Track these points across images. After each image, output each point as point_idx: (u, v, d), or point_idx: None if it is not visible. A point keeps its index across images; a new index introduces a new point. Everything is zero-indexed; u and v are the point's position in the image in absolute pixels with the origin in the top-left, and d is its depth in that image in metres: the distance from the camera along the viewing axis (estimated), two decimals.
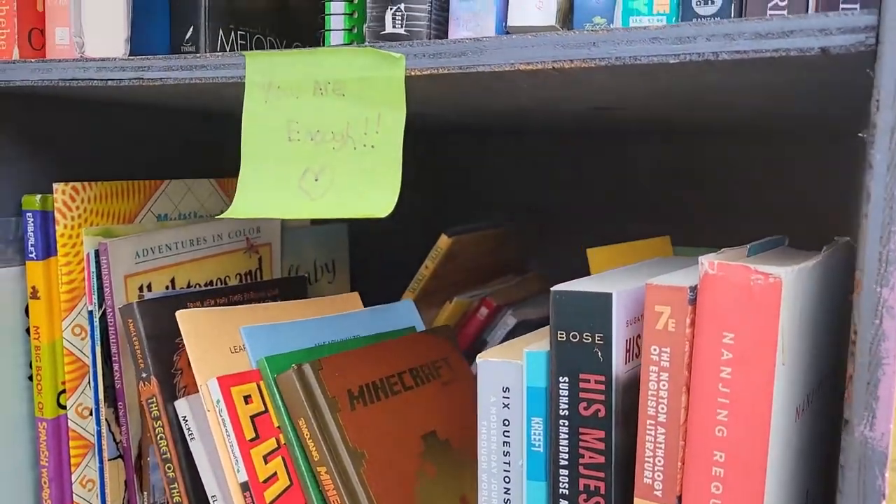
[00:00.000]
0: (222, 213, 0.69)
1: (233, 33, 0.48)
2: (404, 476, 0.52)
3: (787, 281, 0.32)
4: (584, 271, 0.75)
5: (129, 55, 0.49)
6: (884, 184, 0.29)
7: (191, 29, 0.47)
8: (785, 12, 0.37)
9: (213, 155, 0.73)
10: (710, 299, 0.34)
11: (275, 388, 0.50)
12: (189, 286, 0.65)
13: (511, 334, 0.78)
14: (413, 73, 0.39)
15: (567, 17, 0.43)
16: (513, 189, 1.00)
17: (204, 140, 0.74)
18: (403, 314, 0.65)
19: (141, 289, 0.61)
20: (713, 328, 0.34)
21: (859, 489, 0.30)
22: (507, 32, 0.43)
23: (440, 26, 0.43)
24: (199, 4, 0.48)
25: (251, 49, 0.51)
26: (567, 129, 0.92)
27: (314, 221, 0.80)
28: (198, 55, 0.44)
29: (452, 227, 0.81)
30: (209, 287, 0.66)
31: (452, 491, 0.55)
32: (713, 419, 0.34)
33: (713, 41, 0.32)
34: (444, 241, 0.80)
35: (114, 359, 0.59)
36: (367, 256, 0.94)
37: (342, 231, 0.84)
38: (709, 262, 0.34)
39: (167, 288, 0.64)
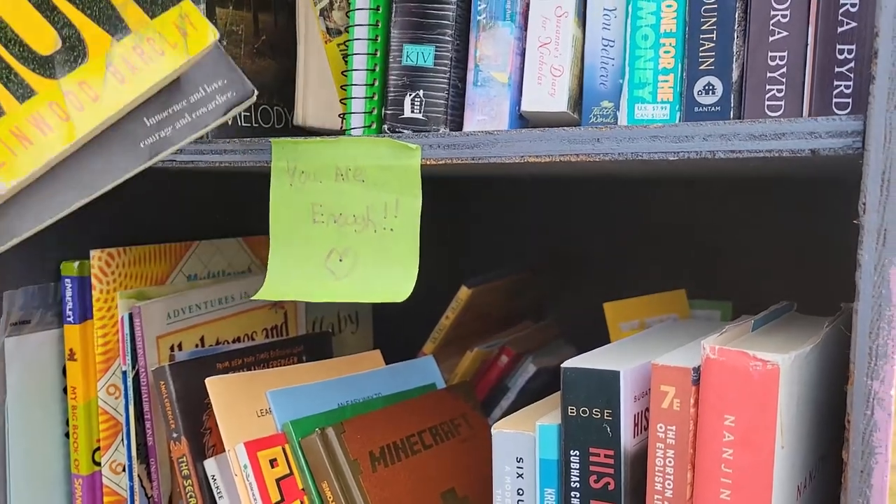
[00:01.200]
0: (254, 279, 0.72)
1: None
2: None
3: (785, 368, 0.34)
4: (600, 320, 0.77)
5: None
6: (871, 282, 0.31)
7: None
8: (781, 103, 0.39)
9: (239, 213, 0.76)
10: (712, 382, 0.36)
11: (300, 452, 0.52)
12: (218, 343, 0.68)
13: (531, 381, 0.80)
14: (428, 163, 0.41)
15: (577, 102, 0.45)
16: (533, 236, 1.02)
17: (230, 199, 0.77)
18: (424, 371, 0.67)
19: (172, 348, 0.64)
20: (715, 410, 0.35)
21: None
22: (521, 117, 0.46)
23: (456, 111, 0.46)
24: None
25: (256, 120, 0.54)
26: (585, 178, 0.93)
27: None
28: (227, 140, 0.46)
29: (472, 278, 0.83)
30: (237, 343, 0.69)
31: None
32: (717, 498, 0.36)
33: (710, 141, 0.34)
34: (464, 292, 0.83)
35: (146, 417, 0.62)
36: (389, 306, 0.96)
37: None
38: (710, 346, 0.36)
39: (197, 346, 0.66)
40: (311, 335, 0.72)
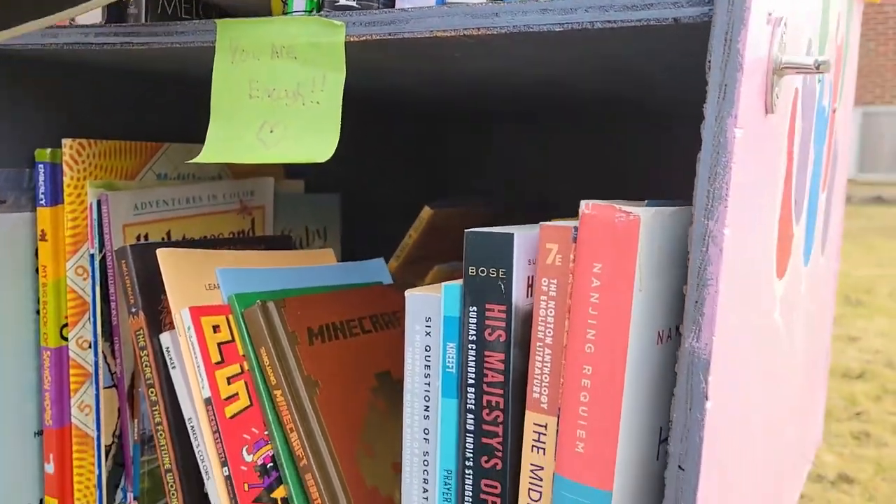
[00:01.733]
0: (223, 183, 0.76)
1: None
2: (355, 406, 0.58)
3: (646, 220, 0.38)
4: None
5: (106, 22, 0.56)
6: (712, 132, 0.34)
7: None
8: None
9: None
10: (586, 235, 0.40)
11: (241, 321, 0.56)
12: (184, 239, 0.72)
13: None
14: (351, 40, 0.45)
15: None
16: (509, 175, 1.06)
17: (205, 108, 0.81)
18: (374, 270, 0.71)
19: (138, 238, 0.68)
20: (586, 260, 0.39)
21: (687, 392, 0.36)
22: (445, 3, 0.49)
23: None
24: None
25: (194, 11, 0.58)
26: (562, 117, 0.97)
27: (308, 186, 0.87)
28: (177, 23, 0.50)
29: (438, 201, 0.88)
30: (202, 239, 0.73)
31: (399, 426, 0.61)
32: (584, 338, 0.40)
33: (590, 12, 0.38)
34: (426, 212, 0.87)
35: (111, 298, 0.66)
36: (364, 229, 1.01)
37: (334, 200, 0.91)
38: (586, 203, 0.40)
39: (163, 238, 0.71)
40: (273, 237, 0.76)
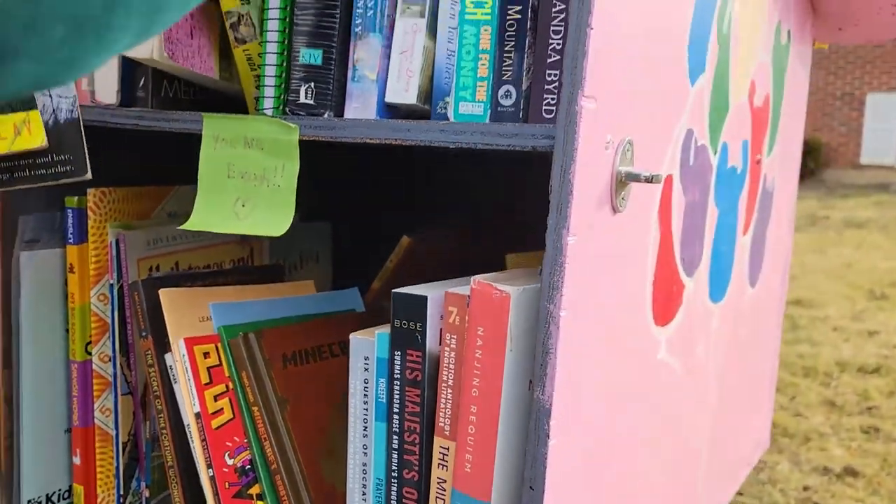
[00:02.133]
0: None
1: (176, 81, 0.66)
2: (320, 422, 0.71)
3: (514, 296, 0.49)
4: None
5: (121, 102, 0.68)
6: (552, 239, 0.46)
7: (142, 79, 0.66)
8: (553, 108, 0.53)
9: None
10: (473, 304, 0.51)
11: (227, 349, 0.69)
12: (190, 268, 0.85)
13: None
14: (303, 138, 0.57)
15: (427, 96, 0.60)
16: (490, 208, 1.17)
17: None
18: (348, 299, 0.83)
19: (150, 269, 0.81)
20: (473, 323, 0.51)
21: (535, 432, 0.47)
22: (388, 106, 0.61)
23: (338, 99, 0.61)
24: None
25: (191, 95, 0.70)
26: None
27: (303, 216, 0.99)
28: (174, 112, 0.63)
29: (416, 231, 0.99)
30: (206, 270, 0.86)
31: None
32: (471, 383, 0.51)
33: (475, 136, 0.49)
34: (404, 240, 0.98)
35: (128, 320, 0.79)
36: (352, 253, 1.13)
37: (326, 228, 1.03)
38: (475, 280, 0.51)
39: (171, 268, 0.84)
40: (265, 266, 0.88)
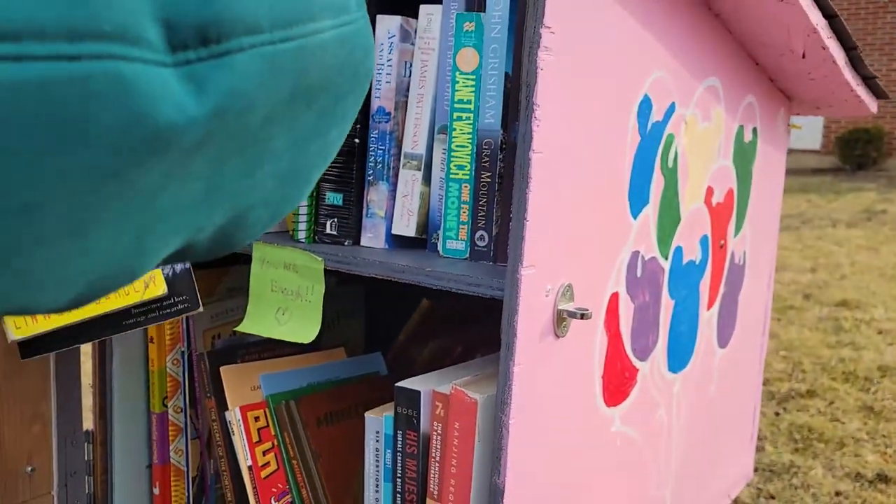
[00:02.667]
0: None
1: None
2: (348, 472, 0.89)
3: (481, 401, 0.66)
4: None
5: None
6: (505, 366, 0.62)
7: None
8: None
9: None
10: (452, 404, 0.68)
11: (273, 414, 0.87)
12: (243, 336, 1.04)
13: None
14: (327, 267, 0.74)
15: (424, 228, 0.77)
16: None
17: None
18: (373, 363, 1.01)
19: (213, 338, 1.00)
20: (451, 419, 0.68)
21: None
22: (394, 236, 0.78)
23: (356, 230, 0.78)
24: None
25: None
26: None
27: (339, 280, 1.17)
28: None
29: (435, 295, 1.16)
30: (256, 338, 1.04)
31: None
32: (450, 464, 0.68)
33: (450, 283, 0.66)
34: (424, 302, 1.16)
35: (196, 380, 0.99)
36: (381, 311, 1.31)
37: (360, 291, 1.20)
38: (452, 385, 0.68)
39: (231, 335, 1.02)
40: None
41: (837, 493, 2.11)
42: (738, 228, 1.04)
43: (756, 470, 2.59)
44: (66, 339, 0.78)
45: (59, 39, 0.19)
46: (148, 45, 0.21)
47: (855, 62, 0.99)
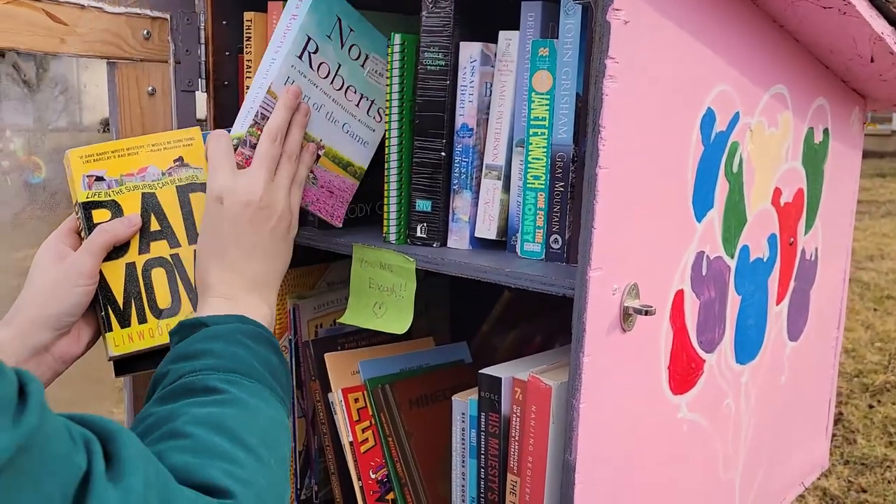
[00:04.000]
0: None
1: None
2: (437, 449, 0.98)
3: (555, 387, 0.74)
4: None
5: None
6: (576, 355, 0.70)
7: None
8: None
9: None
10: (528, 390, 0.77)
11: (370, 397, 0.98)
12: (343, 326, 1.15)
13: None
14: (417, 267, 0.84)
15: (503, 232, 0.85)
16: None
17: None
18: (458, 352, 1.10)
19: (317, 327, 1.12)
20: (528, 403, 0.77)
21: (566, 481, 0.72)
22: (477, 239, 0.87)
23: (443, 233, 0.88)
24: None
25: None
26: None
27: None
28: (335, 238, 0.91)
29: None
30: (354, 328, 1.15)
31: None
32: (528, 441, 0.77)
33: (526, 281, 0.74)
34: (506, 293, 1.24)
35: (301, 365, 1.10)
36: (466, 301, 1.40)
37: (446, 282, 1.30)
38: (529, 373, 0.77)
39: (332, 324, 1.14)
40: None
41: None
42: (808, 226, 1.08)
43: (847, 463, 2.57)
44: (158, 358, 0.88)
45: None
46: None
47: None
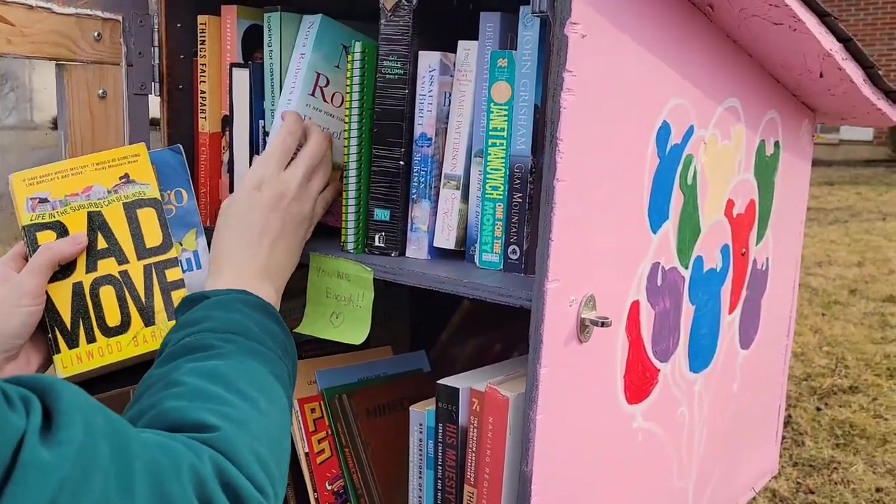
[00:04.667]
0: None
1: None
2: (394, 460, 0.98)
3: (512, 398, 0.74)
4: None
5: None
6: (532, 367, 0.70)
7: None
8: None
9: None
10: (486, 401, 0.76)
11: (327, 407, 0.97)
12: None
13: None
14: (375, 277, 0.83)
15: (462, 242, 0.85)
16: None
17: None
18: (417, 360, 1.10)
19: None
20: (486, 414, 0.76)
21: (520, 491, 0.72)
22: (435, 248, 0.86)
23: (401, 243, 0.87)
24: None
25: None
26: None
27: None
28: None
29: None
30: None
31: None
32: (485, 453, 0.77)
33: (484, 293, 0.74)
34: (465, 302, 1.24)
35: None
36: (428, 312, 1.40)
37: (405, 292, 1.29)
38: (486, 383, 0.76)
39: None
40: None
41: (878, 490, 2.13)
42: (759, 237, 1.10)
43: (796, 465, 2.62)
44: (108, 381, 0.86)
45: None
46: None
47: (874, 79, 1.04)
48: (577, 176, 0.69)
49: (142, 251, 0.84)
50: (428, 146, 0.84)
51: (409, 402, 0.99)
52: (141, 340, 0.82)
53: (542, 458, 0.72)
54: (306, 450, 0.96)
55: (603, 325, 0.73)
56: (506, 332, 1.29)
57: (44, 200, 0.81)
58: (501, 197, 0.80)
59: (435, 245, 0.86)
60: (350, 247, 0.88)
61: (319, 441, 0.97)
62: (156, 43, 1.03)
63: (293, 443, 0.99)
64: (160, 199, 0.86)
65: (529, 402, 0.70)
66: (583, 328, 0.73)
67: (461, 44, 0.82)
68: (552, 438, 0.73)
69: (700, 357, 0.99)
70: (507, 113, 0.78)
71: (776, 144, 1.10)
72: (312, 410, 0.97)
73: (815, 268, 4.60)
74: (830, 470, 2.68)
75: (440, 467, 0.83)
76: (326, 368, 1.01)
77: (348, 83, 0.85)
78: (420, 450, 0.86)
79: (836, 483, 2.63)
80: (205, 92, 0.99)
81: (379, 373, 1.06)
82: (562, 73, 0.65)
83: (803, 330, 3.63)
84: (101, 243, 0.82)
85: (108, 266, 0.82)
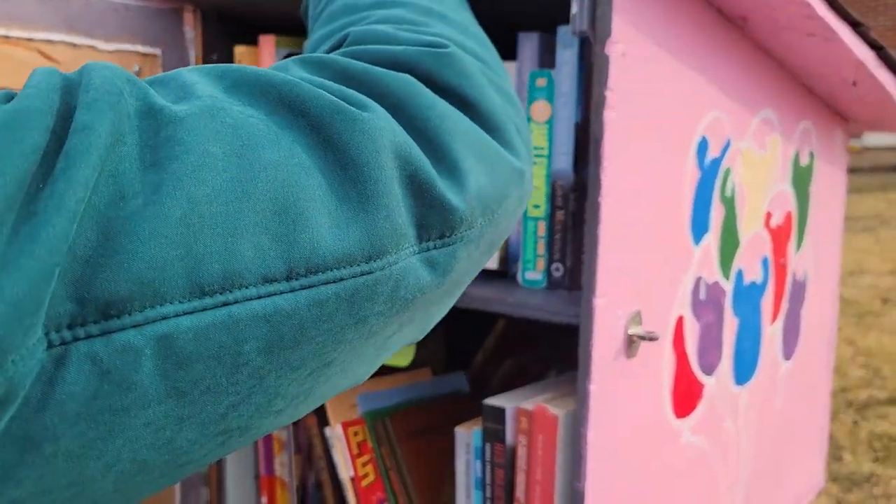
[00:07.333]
0: None
1: None
2: (435, 482, 0.97)
3: (561, 416, 0.74)
4: None
5: None
6: (583, 383, 0.70)
7: None
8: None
9: None
10: (534, 419, 0.76)
11: (370, 430, 0.97)
12: None
13: None
14: None
15: (505, 261, 0.86)
16: None
17: None
18: (456, 382, 1.10)
19: None
20: (535, 432, 0.76)
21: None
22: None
23: None
24: None
25: None
26: None
27: None
28: None
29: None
30: None
31: None
32: (536, 470, 0.77)
33: (530, 311, 0.74)
34: (500, 322, 1.24)
35: None
36: (465, 332, 1.40)
37: None
38: (534, 402, 0.76)
39: None
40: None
41: None
42: (798, 247, 1.10)
43: (835, 480, 2.58)
44: None
45: (365, 261, 0.34)
46: (408, 243, 0.35)
47: None
48: (621, 192, 0.69)
49: None
50: None
51: (449, 423, 0.99)
52: None
53: (594, 475, 0.72)
54: (351, 473, 0.96)
55: (651, 339, 0.72)
56: (541, 352, 1.28)
57: None
58: (543, 215, 0.80)
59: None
60: None
61: (364, 465, 0.97)
62: None
63: (335, 468, 0.99)
64: None
65: (580, 419, 0.70)
66: (630, 344, 0.73)
67: None
68: (604, 455, 0.73)
69: (744, 369, 0.98)
70: (547, 131, 0.79)
71: (811, 154, 1.10)
72: (356, 434, 0.97)
73: (846, 277, 4.54)
74: (871, 484, 2.63)
75: (489, 486, 0.83)
76: (368, 392, 1.01)
77: None
78: (467, 470, 0.86)
79: (877, 498, 2.58)
80: None
81: (419, 395, 1.06)
82: (604, 92, 0.66)
83: (837, 342, 3.58)
84: None
85: None
